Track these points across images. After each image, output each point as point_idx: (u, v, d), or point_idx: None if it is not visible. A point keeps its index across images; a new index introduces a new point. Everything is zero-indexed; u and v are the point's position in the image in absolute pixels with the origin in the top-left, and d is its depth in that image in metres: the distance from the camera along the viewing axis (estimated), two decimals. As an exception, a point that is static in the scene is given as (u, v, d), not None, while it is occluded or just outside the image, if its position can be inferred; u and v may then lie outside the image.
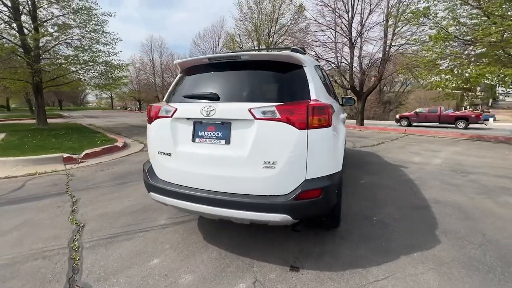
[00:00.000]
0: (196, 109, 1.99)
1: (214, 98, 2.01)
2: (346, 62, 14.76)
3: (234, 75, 2.16)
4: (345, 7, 13.86)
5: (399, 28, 12.62)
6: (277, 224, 1.92)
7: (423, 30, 10.37)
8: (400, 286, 1.78)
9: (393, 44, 13.02)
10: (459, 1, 8.01)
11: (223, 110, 1.92)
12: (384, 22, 13.15)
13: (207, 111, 1.94)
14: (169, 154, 2.10)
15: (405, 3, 12.12)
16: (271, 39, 21.35)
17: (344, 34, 14.28)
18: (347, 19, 14.04)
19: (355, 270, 1.94)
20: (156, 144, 2.20)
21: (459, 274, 1.89)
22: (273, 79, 2.06)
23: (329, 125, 1.86)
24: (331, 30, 14.63)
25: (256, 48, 20.04)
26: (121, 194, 3.55)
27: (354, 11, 13.70)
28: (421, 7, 8.99)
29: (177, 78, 2.41)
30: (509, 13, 7.25)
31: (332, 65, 14.89)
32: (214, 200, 1.89)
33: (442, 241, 2.32)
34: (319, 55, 15.16)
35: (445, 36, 8.25)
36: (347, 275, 1.89)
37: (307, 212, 1.87)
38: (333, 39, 15.01)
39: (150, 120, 2.27)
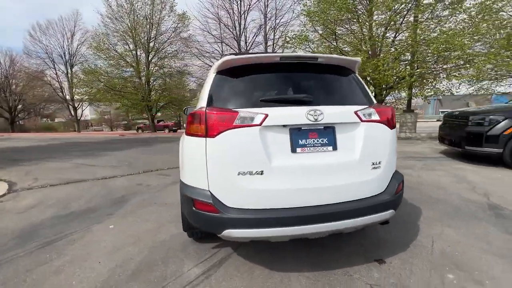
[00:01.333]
0: (299, 114, 1.68)
1: (308, 101, 1.77)
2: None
3: (304, 77, 1.98)
4: (233, 23, 14.98)
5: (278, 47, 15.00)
6: (382, 223, 1.94)
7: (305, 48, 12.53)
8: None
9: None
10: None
11: (329, 114, 1.73)
12: (263, 43, 15.26)
13: (314, 115, 1.68)
14: (261, 173, 1.62)
15: (280, 29, 14.67)
16: (151, 44, 19.58)
17: (232, 49, 15.37)
18: (234, 35, 15.22)
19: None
20: (231, 163, 1.63)
21: None
22: (346, 83, 2.06)
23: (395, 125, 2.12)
24: (218, 44, 15.35)
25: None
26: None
27: (242, 28, 15.08)
28: (299, 34, 11.27)
29: (213, 78, 1.88)
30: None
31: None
32: (327, 215, 1.66)
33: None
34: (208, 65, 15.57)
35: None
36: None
37: (400, 202, 2.01)
38: (220, 52, 15.84)
39: (213, 132, 1.66)
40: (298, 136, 1.71)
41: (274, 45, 15.19)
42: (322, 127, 1.75)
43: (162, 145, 9.71)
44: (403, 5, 9.33)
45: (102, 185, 4.18)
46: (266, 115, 1.66)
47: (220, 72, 1.86)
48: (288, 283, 1.75)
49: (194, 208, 1.70)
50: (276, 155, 1.67)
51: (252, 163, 1.64)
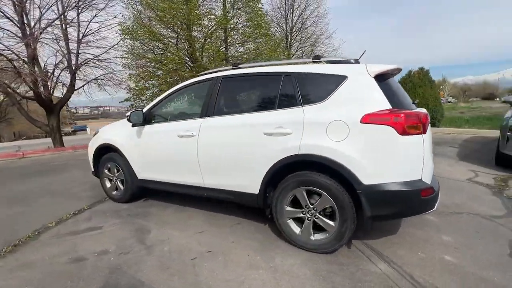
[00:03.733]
0: None
1: None
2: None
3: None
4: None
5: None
6: None
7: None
8: None
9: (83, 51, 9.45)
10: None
11: None
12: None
13: None
14: None
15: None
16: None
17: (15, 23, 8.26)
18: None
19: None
20: (430, 152, 2.16)
21: None
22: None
23: None
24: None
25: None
26: None
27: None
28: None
29: (374, 82, 2.01)
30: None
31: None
32: None
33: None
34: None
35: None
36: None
37: None
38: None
39: (425, 130, 1.96)
40: None
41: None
42: None
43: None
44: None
45: None
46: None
47: (377, 77, 2.03)
48: None
49: (422, 197, 1.89)
50: None
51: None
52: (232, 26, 10.32)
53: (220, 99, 2.65)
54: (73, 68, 8.91)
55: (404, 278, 1.84)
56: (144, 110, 3.05)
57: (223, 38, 10.55)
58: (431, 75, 10.62)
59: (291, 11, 15.13)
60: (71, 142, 11.70)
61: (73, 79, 9.07)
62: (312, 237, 2.17)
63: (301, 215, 2.21)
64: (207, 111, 2.64)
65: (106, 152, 3.46)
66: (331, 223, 2.07)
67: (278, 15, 15.17)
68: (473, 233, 2.44)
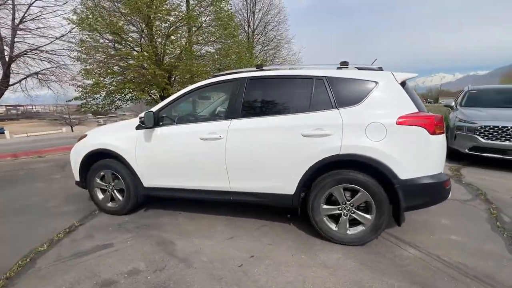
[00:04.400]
0: None
1: None
2: None
3: None
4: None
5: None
6: None
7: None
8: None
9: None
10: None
11: None
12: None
13: None
14: None
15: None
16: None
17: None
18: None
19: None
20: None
21: None
22: None
23: None
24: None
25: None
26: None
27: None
28: None
29: (401, 88, 2.31)
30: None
31: None
32: None
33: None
34: None
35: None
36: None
37: None
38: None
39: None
40: None
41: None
42: None
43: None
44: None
45: None
46: None
47: (402, 83, 2.34)
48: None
49: (445, 188, 2.23)
50: None
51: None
52: (198, 25, 9.96)
53: (248, 101, 2.62)
54: (7, 59, 7.40)
55: (434, 259, 2.14)
56: (154, 111, 2.79)
57: (187, 35, 10.08)
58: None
59: (252, 14, 15.41)
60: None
61: (7, 72, 7.52)
62: (348, 232, 2.34)
63: (338, 211, 2.35)
64: (234, 113, 2.58)
65: (98, 158, 3.04)
66: (368, 216, 2.27)
67: (240, 16, 15.27)
68: (460, 215, 2.96)
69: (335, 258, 2.17)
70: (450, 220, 2.84)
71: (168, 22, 9.14)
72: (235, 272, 2.01)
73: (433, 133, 2.15)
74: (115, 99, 9.71)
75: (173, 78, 10.39)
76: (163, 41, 9.41)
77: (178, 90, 3.71)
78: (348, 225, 2.34)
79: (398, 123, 2.16)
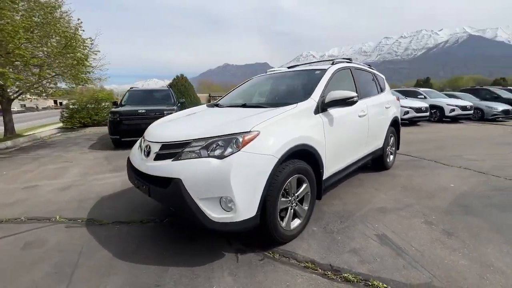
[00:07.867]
0: None
1: None
2: None
3: None
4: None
5: None
6: None
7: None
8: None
9: None
10: None
11: None
12: None
13: None
14: None
15: None
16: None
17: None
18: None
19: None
20: None
21: None
22: None
23: None
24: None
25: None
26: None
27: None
28: None
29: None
30: None
31: None
32: None
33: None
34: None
35: None
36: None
37: None
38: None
39: None
40: None
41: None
42: None
43: None
44: None
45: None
46: None
47: None
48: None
49: None
50: None
51: None
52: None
53: (358, 85, 3.27)
54: None
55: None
56: (315, 96, 2.48)
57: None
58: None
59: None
60: None
61: None
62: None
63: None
64: (359, 94, 3.12)
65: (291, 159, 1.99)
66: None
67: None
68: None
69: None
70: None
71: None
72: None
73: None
74: None
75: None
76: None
77: None
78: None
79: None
